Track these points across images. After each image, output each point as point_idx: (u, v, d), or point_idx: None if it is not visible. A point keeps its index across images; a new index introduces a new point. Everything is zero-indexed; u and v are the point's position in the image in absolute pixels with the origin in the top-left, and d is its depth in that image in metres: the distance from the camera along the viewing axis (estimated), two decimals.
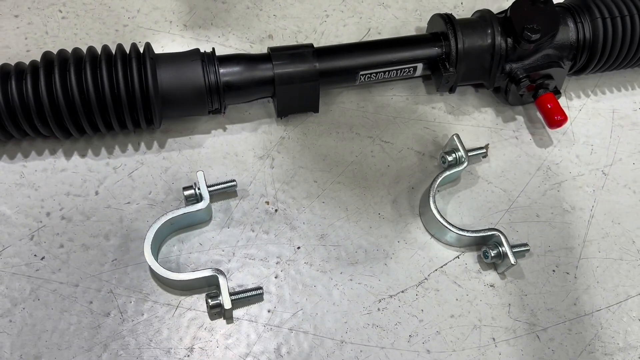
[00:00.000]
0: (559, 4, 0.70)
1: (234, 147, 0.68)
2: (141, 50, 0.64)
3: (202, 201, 0.60)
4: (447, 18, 0.68)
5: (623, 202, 0.69)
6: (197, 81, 0.63)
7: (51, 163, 0.65)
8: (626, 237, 0.67)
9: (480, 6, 0.79)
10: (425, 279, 0.63)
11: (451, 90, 0.71)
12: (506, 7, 0.70)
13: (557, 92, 0.70)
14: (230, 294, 0.56)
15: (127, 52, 0.63)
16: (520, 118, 0.73)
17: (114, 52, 0.62)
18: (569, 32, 0.67)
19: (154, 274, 0.59)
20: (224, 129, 0.69)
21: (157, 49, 0.73)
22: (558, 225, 0.67)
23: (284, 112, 0.69)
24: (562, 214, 0.68)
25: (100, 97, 0.60)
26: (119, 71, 0.60)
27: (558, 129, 0.70)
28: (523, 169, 0.70)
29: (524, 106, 0.74)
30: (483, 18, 0.68)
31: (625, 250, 0.67)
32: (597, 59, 0.68)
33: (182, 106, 0.64)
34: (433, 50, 0.68)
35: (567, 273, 0.65)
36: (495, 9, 0.71)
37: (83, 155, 0.66)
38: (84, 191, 0.64)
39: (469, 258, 0.64)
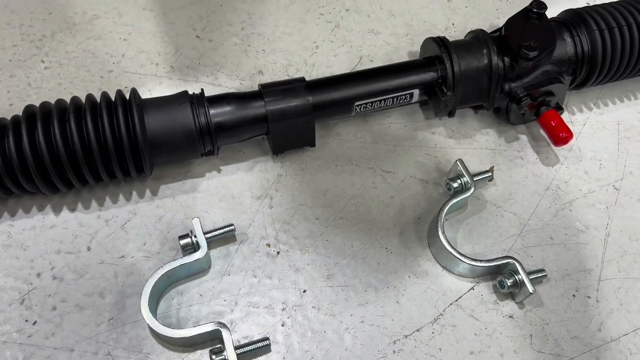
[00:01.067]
0: (553, 19, 0.69)
1: (230, 189, 0.65)
2: (127, 96, 0.61)
3: (200, 250, 0.57)
4: (441, 41, 0.66)
5: (639, 217, 0.66)
6: (187, 124, 0.60)
7: (40, 220, 0.62)
8: None
9: (473, 26, 0.77)
10: (441, 314, 0.59)
11: (450, 114, 0.68)
12: (499, 26, 0.68)
13: (559, 108, 0.67)
14: (236, 348, 0.53)
15: (113, 99, 0.61)
16: (523, 137, 0.71)
17: (99, 100, 0.60)
18: (566, 47, 0.66)
19: (154, 332, 0.55)
20: (219, 171, 0.67)
21: (145, 94, 0.71)
22: (573, 246, 0.64)
23: (279, 149, 0.67)
24: (576, 234, 0.65)
25: (87, 149, 0.57)
26: (104, 120, 0.58)
27: (564, 146, 0.68)
28: (531, 190, 0.67)
29: (526, 125, 0.72)
30: (477, 38, 0.66)
31: None
32: (597, 71, 0.66)
33: (174, 151, 0.61)
34: (428, 75, 0.66)
35: (588, 297, 0.62)
36: (487, 28, 0.69)
37: (73, 210, 0.63)
38: (75, 247, 0.61)
39: (485, 289, 0.61)
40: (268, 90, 0.63)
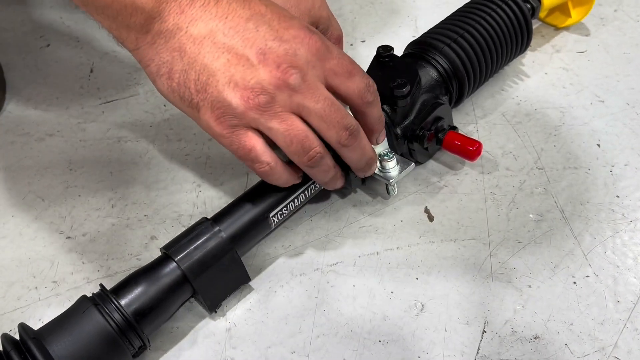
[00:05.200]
0: (403, 55, 0.70)
1: None
2: (17, 336, 0.50)
3: None
4: None
5: (574, 182, 0.66)
6: (102, 330, 0.50)
7: None
8: (604, 211, 0.63)
9: None
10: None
11: (363, 181, 0.65)
12: None
13: (453, 128, 0.67)
14: None
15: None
16: (437, 169, 0.69)
17: None
18: (429, 72, 0.67)
19: None
20: None
21: (37, 325, 0.58)
22: (542, 238, 0.61)
23: (215, 303, 0.58)
24: (537, 226, 0.63)
25: None
26: None
27: (479, 157, 0.67)
28: (473, 209, 0.65)
29: (433, 158, 0.70)
30: None
31: (612, 221, 0.62)
32: (466, 80, 0.68)
33: None
34: None
35: (587, 276, 0.58)
36: None
37: None
38: None
39: (493, 321, 0.55)
40: (174, 248, 0.55)
